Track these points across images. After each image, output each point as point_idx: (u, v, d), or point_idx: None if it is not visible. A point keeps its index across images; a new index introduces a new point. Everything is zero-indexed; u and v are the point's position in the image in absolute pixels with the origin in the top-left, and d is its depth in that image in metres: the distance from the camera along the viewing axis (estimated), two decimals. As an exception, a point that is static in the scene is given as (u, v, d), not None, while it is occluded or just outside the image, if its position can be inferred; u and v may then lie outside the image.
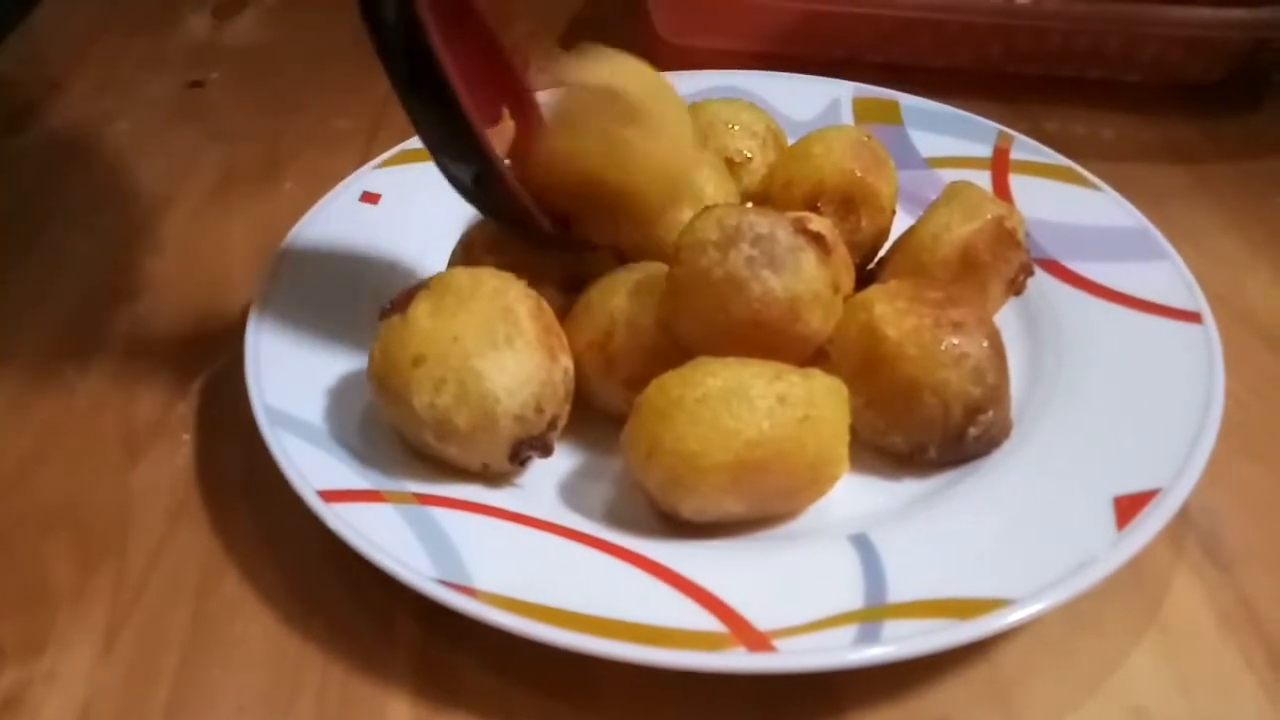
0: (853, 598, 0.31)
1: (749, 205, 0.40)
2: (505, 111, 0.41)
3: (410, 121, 0.37)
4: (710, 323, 0.35)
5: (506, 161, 0.39)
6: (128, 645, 0.34)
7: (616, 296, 0.38)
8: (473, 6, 0.39)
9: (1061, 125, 0.58)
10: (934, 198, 0.42)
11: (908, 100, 0.54)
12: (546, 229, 0.39)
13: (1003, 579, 0.31)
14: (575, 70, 0.38)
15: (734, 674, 0.31)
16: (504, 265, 0.39)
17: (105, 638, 0.34)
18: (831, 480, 0.35)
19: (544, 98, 0.41)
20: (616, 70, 0.38)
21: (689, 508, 0.34)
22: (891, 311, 0.36)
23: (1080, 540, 0.32)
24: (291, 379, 0.38)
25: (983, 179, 0.48)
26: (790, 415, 0.33)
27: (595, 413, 0.39)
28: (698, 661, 0.30)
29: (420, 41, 0.34)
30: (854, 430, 0.35)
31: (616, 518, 0.35)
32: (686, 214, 0.38)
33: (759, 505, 0.34)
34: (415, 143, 0.51)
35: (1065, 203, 0.47)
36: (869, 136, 0.44)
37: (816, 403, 0.33)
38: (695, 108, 0.46)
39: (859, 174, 0.42)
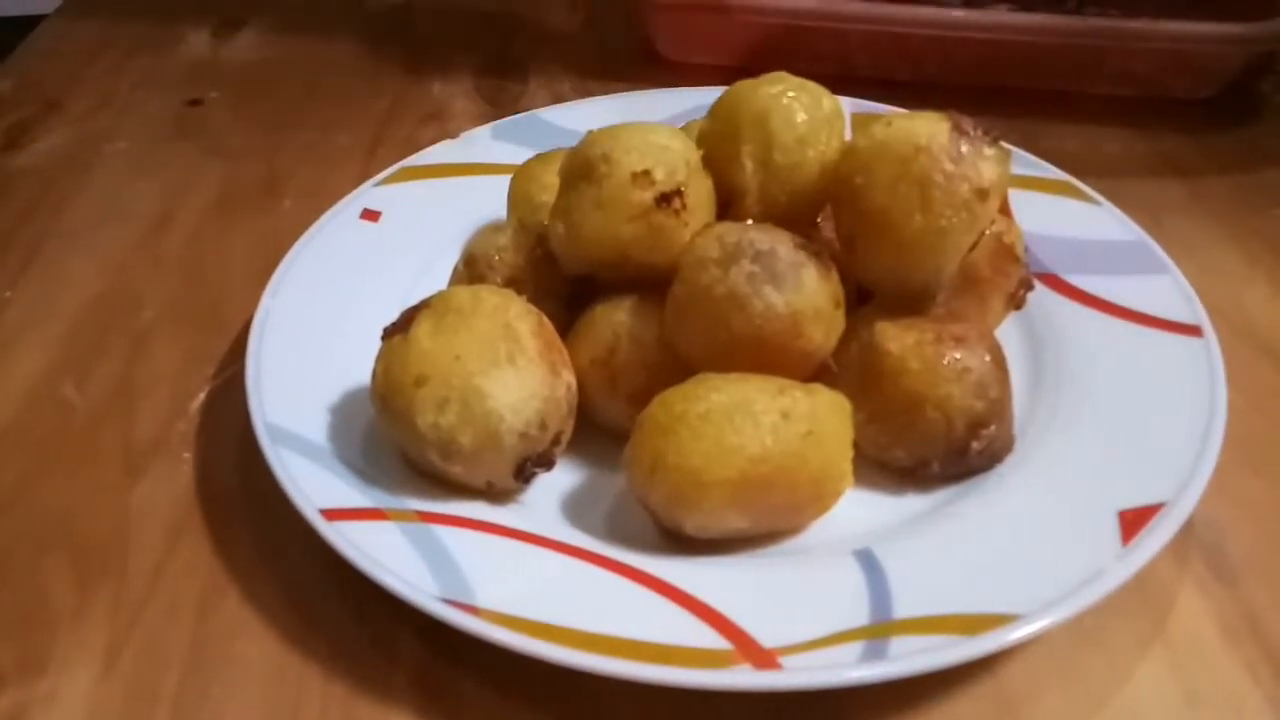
0: (858, 614, 0.31)
1: (749, 222, 0.40)
2: None
3: None
4: (713, 339, 0.35)
5: None
6: (128, 665, 0.34)
7: (619, 312, 0.38)
8: None
9: (1059, 140, 0.58)
10: (933, 212, 0.42)
11: (905, 116, 0.54)
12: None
13: (1008, 594, 0.31)
14: None
15: (739, 691, 0.30)
16: (506, 282, 0.39)
17: (105, 658, 0.34)
18: (835, 496, 0.35)
19: None
20: None
21: (692, 524, 0.33)
22: (893, 326, 0.36)
23: (1085, 555, 0.32)
24: (292, 396, 0.38)
25: (981, 194, 0.48)
26: (794, 431, 0.33)
27: (598, 429, 0.39)
28: (703, 679, 0.29)
29: None
30: (857, 445, 0.35)
31: (620, 534, 0.35)
32: None
33: (763, 521, 0.34)
34: (415, 160, 0.51)
35: (1063, 217, 0.47)
36: (868, 152, 0.44)
37: (820, 418, 0.33)
38: (695, 125, 0.46)
39: (859, 189, 0.42)
